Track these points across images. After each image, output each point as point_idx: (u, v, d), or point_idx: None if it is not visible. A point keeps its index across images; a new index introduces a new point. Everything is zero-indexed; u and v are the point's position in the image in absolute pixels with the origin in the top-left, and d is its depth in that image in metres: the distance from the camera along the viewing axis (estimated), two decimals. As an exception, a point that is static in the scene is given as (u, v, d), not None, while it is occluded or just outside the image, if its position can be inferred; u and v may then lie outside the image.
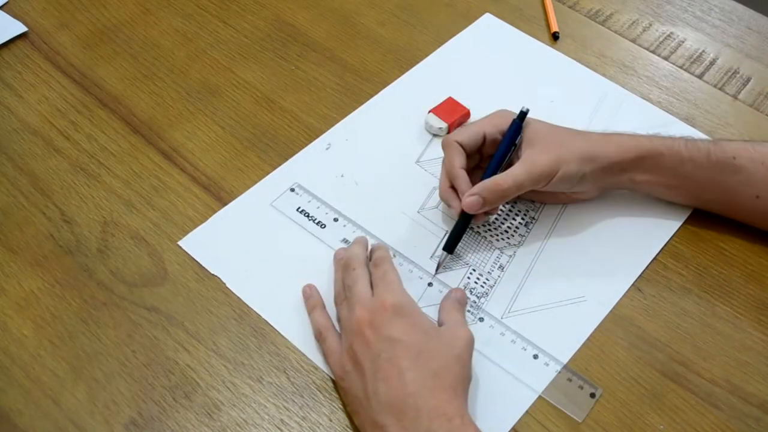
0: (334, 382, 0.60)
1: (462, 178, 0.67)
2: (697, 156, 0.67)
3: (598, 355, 0.63)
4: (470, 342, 0.58)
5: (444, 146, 0.69)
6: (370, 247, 0.66)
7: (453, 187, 0.68)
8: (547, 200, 0.72)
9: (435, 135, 0.77)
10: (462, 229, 0.67)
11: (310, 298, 0.65)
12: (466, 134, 0.68)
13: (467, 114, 0.78)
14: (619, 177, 0.69)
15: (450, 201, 0.68)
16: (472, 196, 0.65)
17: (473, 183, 0.67)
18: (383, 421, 0.53)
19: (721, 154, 0.67)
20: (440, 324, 0.61)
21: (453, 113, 0.77)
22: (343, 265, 0.64)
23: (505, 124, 0.68)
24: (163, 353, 0.62)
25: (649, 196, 0.71)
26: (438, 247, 0.69)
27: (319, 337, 0.62)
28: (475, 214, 0.67)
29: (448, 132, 0.77)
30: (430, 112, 0.78)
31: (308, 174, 0.74)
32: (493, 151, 0.69)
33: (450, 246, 0.67)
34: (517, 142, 0.68)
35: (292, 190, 0.72)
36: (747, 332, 0.65)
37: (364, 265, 0.63)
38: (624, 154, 0.67)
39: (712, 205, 0.71)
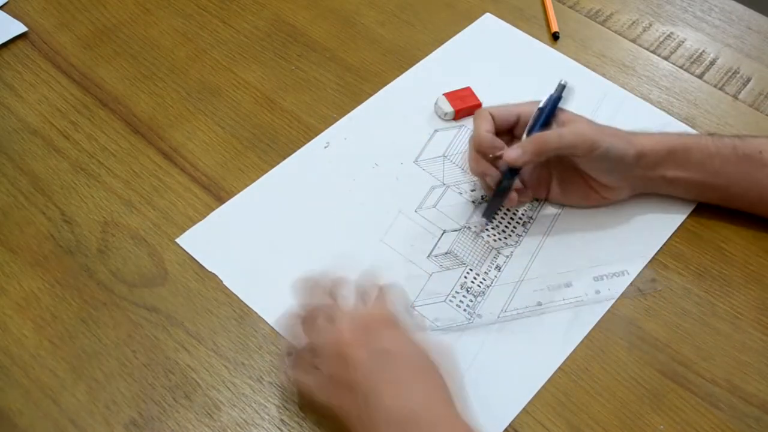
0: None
1: (490, 139, 0.66)
2: (724, 150, 0.68)
3: (598, 355, 0.63)
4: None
5: (475, 116, 0.69)
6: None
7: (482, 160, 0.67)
8: (577, 201, 0.71)
9: (441, 119, 0.78)
10: (502, 196, 0.67)
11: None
12: (499, 108, 0.68)
13: (479, 106, 0.78)
14: (651, 172, 0.69)
15: (486, 170, 0.67)
16: (515, 149, 0.64)
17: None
18: None
19: (748, 148, 0.68)
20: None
21: (464, 101, 0.78)
22: (309, 287, 0.60)
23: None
24: (163, 353, 0.62)
25: (681, 198, 0.71)
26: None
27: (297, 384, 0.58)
28: (511, 187, 0.66)
29: (454, 118, 0.77)
30: (443, 94, 0.78)
31: (306, 172, 0.74)
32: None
33: (490, 213, 0.68)
34: (554, 119, 0.67)
35: (290, 187, 0.72)
36: (747, 332, 0.65)
37: (332, 285, 0.60)
38: (655, 146, 0.68)
39: (741, 202, 0.71)
